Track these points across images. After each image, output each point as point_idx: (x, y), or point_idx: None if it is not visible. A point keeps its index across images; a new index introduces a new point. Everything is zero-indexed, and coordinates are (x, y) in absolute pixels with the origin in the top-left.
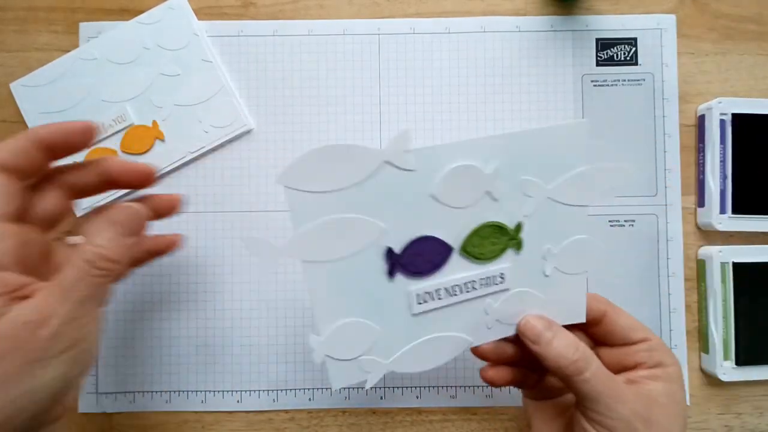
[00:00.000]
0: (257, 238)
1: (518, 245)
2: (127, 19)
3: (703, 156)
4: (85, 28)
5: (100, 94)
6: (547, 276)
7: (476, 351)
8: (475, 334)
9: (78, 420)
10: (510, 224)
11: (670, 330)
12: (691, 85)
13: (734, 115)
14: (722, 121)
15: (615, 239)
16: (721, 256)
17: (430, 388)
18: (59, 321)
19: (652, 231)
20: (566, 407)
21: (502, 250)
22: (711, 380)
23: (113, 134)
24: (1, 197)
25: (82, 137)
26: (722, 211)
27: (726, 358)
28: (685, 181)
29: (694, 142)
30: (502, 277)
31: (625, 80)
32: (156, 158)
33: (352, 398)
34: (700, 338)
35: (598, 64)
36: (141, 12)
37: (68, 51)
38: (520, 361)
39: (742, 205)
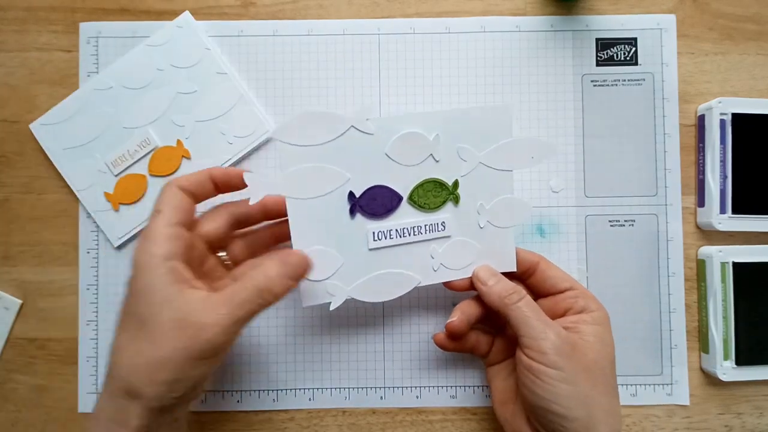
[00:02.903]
0: (253, 174)
1: (456, 199)
2: (128, 20)
3: (703, 156)
4: (85, 28)
5: (120, 121)
6: (481, 228)
7: (449, 285)
8: (423, 274)
9: (78, 420)
10: (449, 181)
11: (671, 330)
12: (691, 85)
13: (734, 115)
14: (722, 121)
15: (615, 239)
16: (721, 256)
17: (430, 388)
18: (220, 330)
19: (652, 231)
20: (514, 368)
21: (443, 203)
22: (711, 380)
23: (139, 159)
24: (181, 209)
25: (239, 180)
26: (722, 211)
27: (726, 358)
28: (685, 181)
29: (694, 142)
30: (443, 225)
31: (625, 80)
32: None
33: (352, 398)
34: (700, 338)
35: (598, 64)
36: (141, 12)
37: (68, 51)
38: (477, 321)
39: (742, 205)
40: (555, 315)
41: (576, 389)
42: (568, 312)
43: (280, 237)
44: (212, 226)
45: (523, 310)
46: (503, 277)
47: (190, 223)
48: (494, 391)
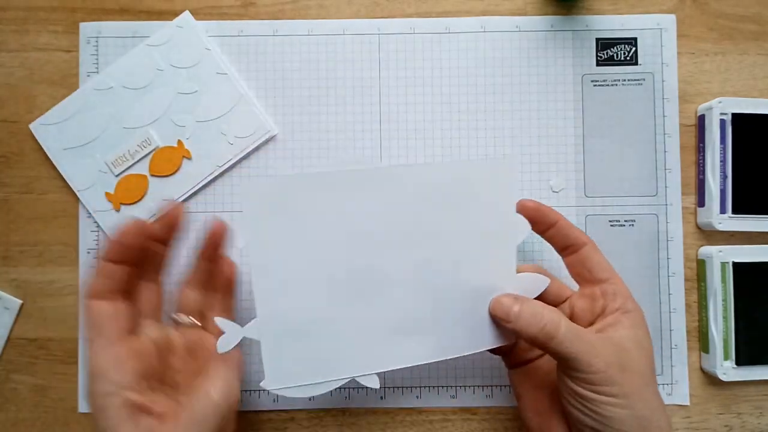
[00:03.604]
0: (227, 321)
1: None
2: (128, 20)
3: (703, 156)
4: (85, 28)
5: (121, 121)
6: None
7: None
8: None
9: (78, 420)
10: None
11: (671, 330)
12: (691, 85)
13: (734, 115)
14: (722, 121)
15: (615, 239)
16: (721, 256)
17: (430, 388)
18: None
19: (652, 231)
20: (546, 373)
21: None
22: (711, 380)
23: (140, 159)
24: (110, 322)
25: (176, 218)
26: (722, 211)
27: (726, 358)
28: (685, 181)
29: (694, 142)
30: None
31: (625, 80)
32: (185, 177)
33: (352, 398)
34: (700, 338)
35: (598, 64)
36: (141, 12)
37: (68, 51)
38: None
39: (742, 205)
40: (592, 316)
41: (631, 412)
42: (606, 313)
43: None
44: (149, 294)
45: (566, 345)
46: (525, 299)
47: (130, 326)
48: (524, 398)
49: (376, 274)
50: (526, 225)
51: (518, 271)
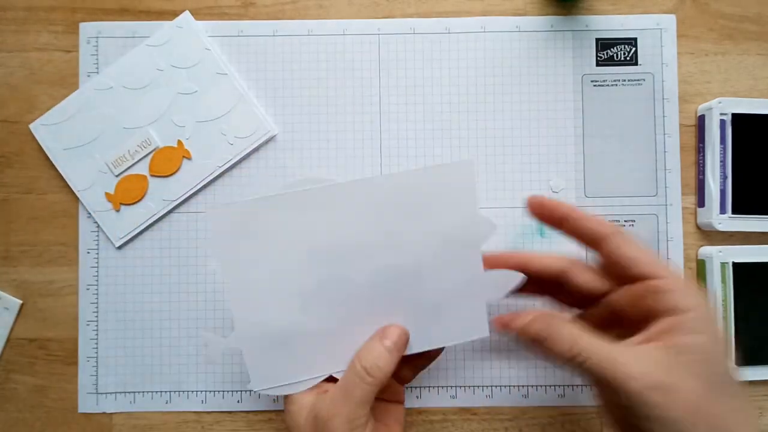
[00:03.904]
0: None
1: None
2: (128, 20)
3: (703, 156)
4: (85, 28)
5: (121, 122)
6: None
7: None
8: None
9: (78, 420)
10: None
11: None
12: (691, 85)
13: (734, 115)
14: (722, 121)
15: None
16: (721, 256)
17: (430, 388)
18: (342, 419)
19: (652, 231)
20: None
21: None
22: None
23: (140, 160)
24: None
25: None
26: (722, 211)
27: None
28: (685, 181)
29: (694, 142)
30: None
31: (625, 80)
32: (185, 177)
33: None
34: None
35: (598, 64)
36: (141, 12)
37: (68, 51)
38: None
39: (741, 205)
40: (636, 324)
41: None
42: (653, 317)
43: None
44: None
45: (597, 369)
46: (552, 324)
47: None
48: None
49: (342, 284)
50: (490, 226)
51: (486, 263)
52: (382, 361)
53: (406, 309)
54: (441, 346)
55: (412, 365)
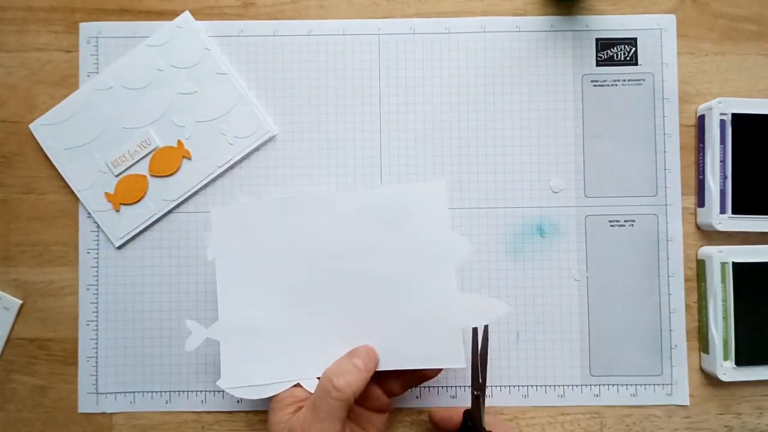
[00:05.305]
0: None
1: None
2: (128, 20)
3: (703, 156)
4: (85, 28)
5: (121, 121)
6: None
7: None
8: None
9: (78, 420)
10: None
11: (670, 330)
12: (691, 85)
13: (734, 115)
14: (722, 121)
15: (615, 239)
16: (721, 256)
17: (431, 388)
18: None
19: (652, 231)
20: None
21: None
22: (711, 380)
23: (140, 159)
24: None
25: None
26: (722, 211)
27: (726, 358)
28: (685, 181)
29: (694, 142)
30: None
31: (625, 80)
32: (185, 177)
33: None
34: (700, 338)
35: (598, 64)
36: (141, 12)
37: (68, 51)
38: None
39: (741, 205)
40: None
41: None
42: None
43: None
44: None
45: None
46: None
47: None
48: None
49: (317, 287)
50: (463, 245)
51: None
52: (351, 377)
53: (378, 322)
54: (413, 368)
55: (401, 380)
